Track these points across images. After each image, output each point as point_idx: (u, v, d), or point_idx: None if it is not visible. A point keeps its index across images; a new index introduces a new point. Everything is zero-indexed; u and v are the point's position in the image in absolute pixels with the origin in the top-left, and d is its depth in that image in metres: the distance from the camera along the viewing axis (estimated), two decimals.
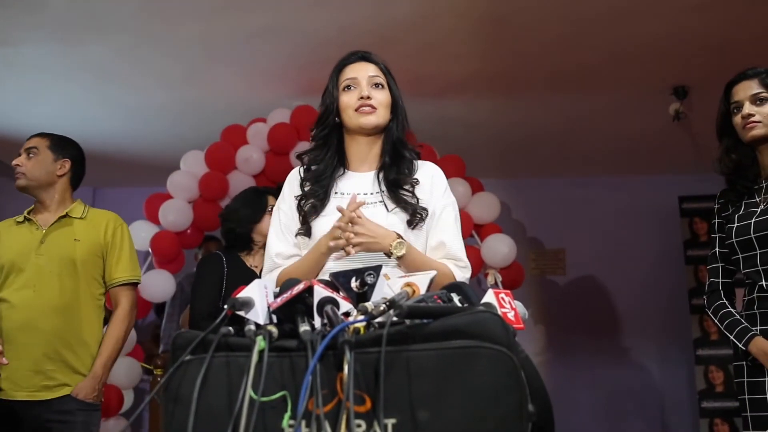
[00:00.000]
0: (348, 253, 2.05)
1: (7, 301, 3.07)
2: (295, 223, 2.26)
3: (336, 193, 2.24)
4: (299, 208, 2.26)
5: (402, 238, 2.08)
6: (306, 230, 2.23)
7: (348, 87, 2.26)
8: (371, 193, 2.22)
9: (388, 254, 2.07)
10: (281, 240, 2.28)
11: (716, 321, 2.77)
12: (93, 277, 3.20)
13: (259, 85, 5.30)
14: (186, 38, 4.59)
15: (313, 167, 2.31)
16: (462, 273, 2.18)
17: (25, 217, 3.22)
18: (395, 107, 2.29)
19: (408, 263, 2.08)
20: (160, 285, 5.31)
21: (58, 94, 5.42)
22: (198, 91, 5.41)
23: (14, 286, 3.09)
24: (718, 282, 2.81)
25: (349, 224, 2.05)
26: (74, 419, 3.03)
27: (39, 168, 3.23)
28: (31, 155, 3.24)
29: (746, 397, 2.64)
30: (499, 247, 5.33)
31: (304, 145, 5.02)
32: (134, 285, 3.31)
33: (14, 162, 3.23)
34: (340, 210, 2.08)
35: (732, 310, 2.73)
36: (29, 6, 4.15)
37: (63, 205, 3.26)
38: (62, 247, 3.14)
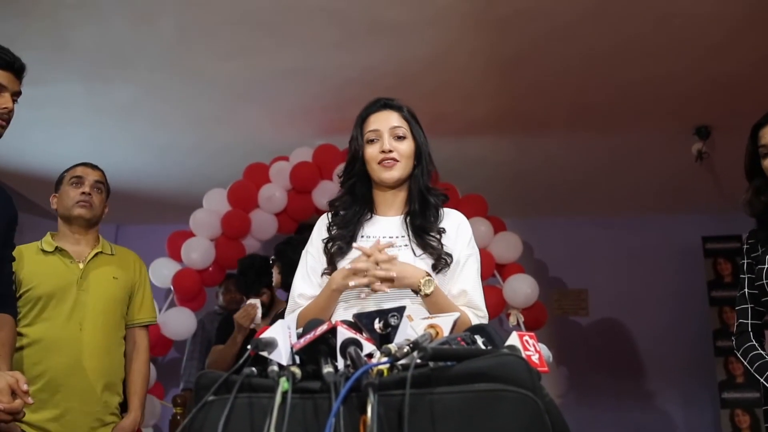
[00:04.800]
0: (374, 291, 2.08)
1: (49, 336, 2.98)
2: (321, 266, 2.30)
3: (362, 236, 2.28)
4: (326, 250, 2.29)
5: (431, 276, 2.13)
6: (332, 271, 2.26)
7: (371, 140, 2.30)
8: (398, 237, 2.26)
9: (416, 291, 2.11)
10: (306, 281, 2.32)
11: (746, 363, 2.71)
12: (122, 316, 3.23)
13: (282, 124, 5.35)
14: (211, 78, 4.66)
15: (341, 212, 2.35)
16: (480, 322, 2.18)
17: (56, 247, 3.15)
18: (419, 154, 2.32)
19: (433, 303, 2.12)
20: (181, 323, 5.33)
21: (84, 132, 5.49)
22: (221, 130, 5.47)
23: (57, 321, 3.01)
24: (748, 323, 2.76)
25: (375, 264, 2.08)
26: None
27: (101, 205, 3.29)
28: (97, 190, 3.27)
29: None
30: (522, 288, 5.29)
31: (326, 185, 5.07)
32: (151, 326, 3.41)
33: (84, 190, 3.20)
34: (360, 249, 2.13)
35: (762, 352, 2.69)
36: (57, 46, 4.24)
37: (94, 241, 3.27)
38: (104, 285, 3.15)
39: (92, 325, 3.06)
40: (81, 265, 3.14)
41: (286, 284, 3.87)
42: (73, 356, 2.99)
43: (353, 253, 2.22)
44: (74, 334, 3.02)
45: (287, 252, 3.92)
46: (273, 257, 4.08)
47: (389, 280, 2.07)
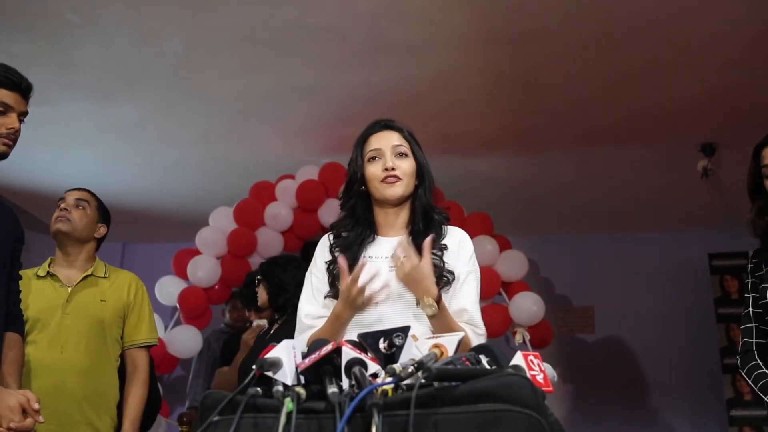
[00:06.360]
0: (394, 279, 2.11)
1: (32, 360, 2.97)
2: (325, 286, 2.29)
3: (365, 257, 2.26)
4: (329, 272, 2.28)
5: (439, 301, 2.09)
6: (335, 293, 2.25)
7: (373, 158, 2.29)
8: (402, 257, 2.24)
9: (418, 304, 2.11)
10: (311, 302, 2.31)
11: (750, 382, 2.71)
12: (114, 339, 3.18)
13: (288, 142, 5.38)
14: (217, 96, 4.68)
15: (343, 234, 2.34)
16: (479, 340, 2.19)
17: (48, 272, 3.17)
18: (421, 173, 2.32)
19: (436, 324, 2.10)
20: (187, 341, 5.33)
21: (91, 151, 5.52)
22: (228, 148, 5.50)
23: (40, 345, 3.02)
24: (752, 342, 2.75)
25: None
26: None
27: (84, 222, 3.23)
28: (80, 207, 3.23)
29: None
30: (528, 305, 5.29)
31: (332, 203, 5.08)
32: (151, 347, 3.32)
33: (63, 206, 3.19)
34: (398, 257, 2.11)
35: (767, 371, 2.68)
36: (66, 66, 4.27)
37: (88, 264, 3.25)
38: (89, 307, 3.12)
39: (74, 348, 3.04)
40: (69, 289, 3.14)
41: (275, 304, 3.85)
42: (53, 379, 2.97)
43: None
44: (55, 357, 3.01)
45: (275, 272, 3.86)
46: (259, 276, 4.03)
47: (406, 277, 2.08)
